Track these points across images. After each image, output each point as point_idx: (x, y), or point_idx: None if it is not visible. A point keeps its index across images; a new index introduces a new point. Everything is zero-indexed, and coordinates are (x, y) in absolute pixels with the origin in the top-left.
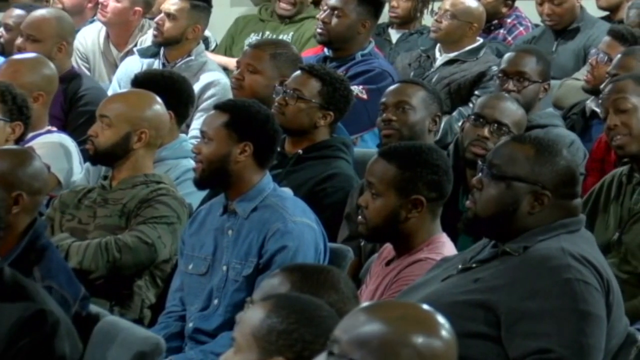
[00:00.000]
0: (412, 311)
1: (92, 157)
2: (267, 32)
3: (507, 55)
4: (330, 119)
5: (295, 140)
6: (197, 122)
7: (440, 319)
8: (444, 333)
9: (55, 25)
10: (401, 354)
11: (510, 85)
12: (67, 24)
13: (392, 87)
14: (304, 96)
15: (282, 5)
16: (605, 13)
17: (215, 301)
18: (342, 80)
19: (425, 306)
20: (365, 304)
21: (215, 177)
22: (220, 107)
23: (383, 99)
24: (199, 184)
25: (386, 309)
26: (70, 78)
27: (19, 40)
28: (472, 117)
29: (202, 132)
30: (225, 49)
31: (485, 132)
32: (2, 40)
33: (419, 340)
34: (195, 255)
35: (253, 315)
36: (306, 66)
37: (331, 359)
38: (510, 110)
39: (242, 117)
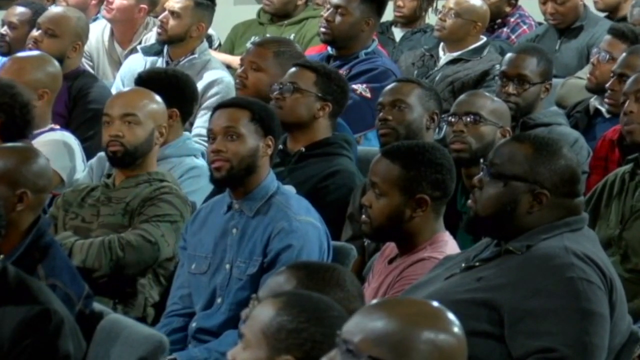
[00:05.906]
0: (425, 308)
1: (120, 158)
2: (268, 35)
3: (507, 57)
4: (329, 110)
5: (297, 136)
6: (200, 120)
7: (451, 315)
8: (456, 330)
9: (75, 24)
10: (420, 350)
11: (511, 88)
12: (85, 24)
13: (388, 87)
14: (300, 87)
15: (263, 0)
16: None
17: (219, 300)
18: (336, 72)
19: (435, 303)
20: (374, 301)
21: (243, 173)
22: (236, 103)
23: (380, 99)
24: (223, 182)
25: (398, 305)
26: (74, 76)
27: (36, 33)
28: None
29: (227, 127)
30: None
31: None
32: (7, 39)
33: (435, 336)
34: (196, 255)
35: (263, 312)
36: (299, 62)
37: (346, 357)
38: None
39: (262, 111)
